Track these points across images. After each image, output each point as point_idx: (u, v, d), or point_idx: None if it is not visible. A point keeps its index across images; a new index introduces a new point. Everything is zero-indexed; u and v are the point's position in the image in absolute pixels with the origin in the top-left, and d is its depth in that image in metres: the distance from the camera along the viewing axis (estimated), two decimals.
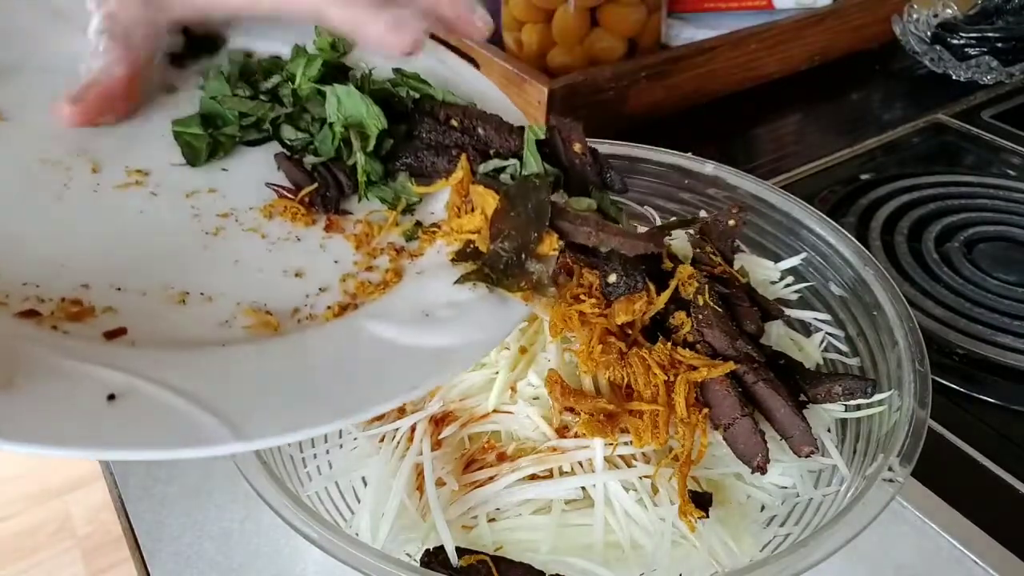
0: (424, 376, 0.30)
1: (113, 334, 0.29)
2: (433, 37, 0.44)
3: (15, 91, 0.39)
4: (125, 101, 0.39)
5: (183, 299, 0.31)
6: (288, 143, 0.40)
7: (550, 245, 0.35)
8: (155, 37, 0.40)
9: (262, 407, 0.27)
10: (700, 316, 0.41)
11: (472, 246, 0.36)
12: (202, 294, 0.32)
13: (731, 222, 0.46)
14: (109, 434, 0.25)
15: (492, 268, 0.34)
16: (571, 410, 0.39)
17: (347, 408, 0.28)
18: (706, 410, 0.39)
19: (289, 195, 0.38)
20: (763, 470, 0.38)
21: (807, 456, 0.38)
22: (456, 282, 0.34)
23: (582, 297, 0.41)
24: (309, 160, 0.39)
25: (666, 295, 0.40)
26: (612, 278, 0.40)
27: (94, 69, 0.38)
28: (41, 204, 0.34)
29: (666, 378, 0.39)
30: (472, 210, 0.36)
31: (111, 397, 0.26)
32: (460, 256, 0.36)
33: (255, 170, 0.39)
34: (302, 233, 0.36)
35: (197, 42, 0.44)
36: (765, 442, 0.38)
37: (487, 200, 0.36)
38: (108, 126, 0.39)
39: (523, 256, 0.35)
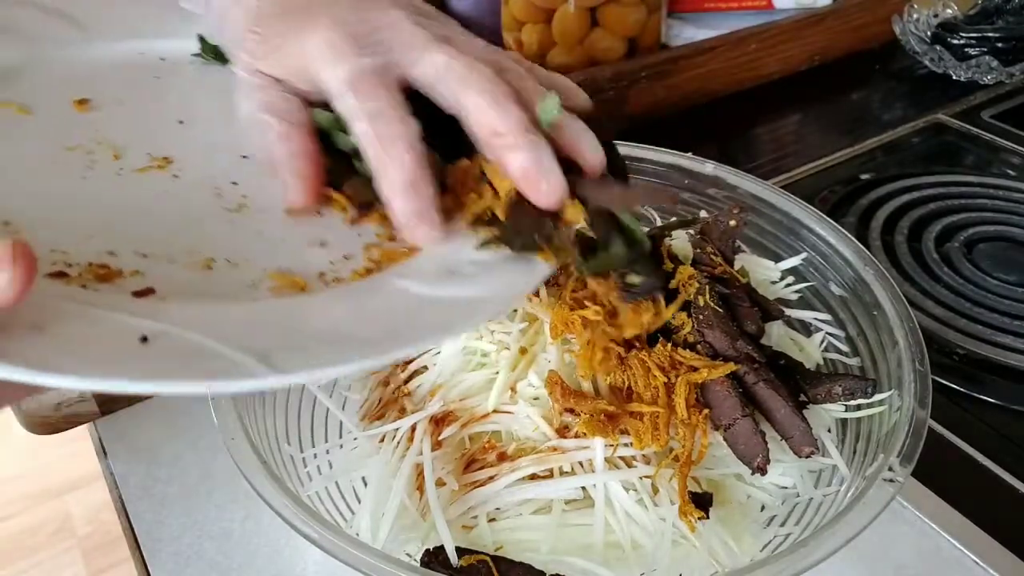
0: (455, 320, 0.30)
1: (142, 293, 0.29)
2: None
3: (36, 86, 0.40)
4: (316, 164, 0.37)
5: (209, 264, 0.32)
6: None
7: (574, 215, 0.35)
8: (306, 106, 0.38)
9: (295, 346, 0.28)
10: (701, 317, 0.41)
11: (490, 213, 0.36)
12: (228, 260, 0.32)
13: (732, 222, 0.46)
14: (143, 368, 0.25)
15: (511, 242, 0.35)
16: (571, 411, 0.39)
17: (382, 347, 0.28)
18: (706, 411, 0.39)
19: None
20: (763, 471, 0.38)
21: (807, 457, 0.38)
22: (479, 247, 0.35)
23: (586, 303, 0.41)
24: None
25: (674, 307, 0.40)
26: (633, 278, 0.40)
27: (276, 152, 0.36)
28: (65, 186, 0.35)
29: (666, 380, 0.39)
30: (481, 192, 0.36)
31: (144, 339, 0.26)
32: (478, 222, 0.36)
33: None
34: (324, 210, 0.37)
35: (211, 48, 0.44)
36: (766, 443, 0.38)
37: (500, 176, 0.35)
38: (128, 116, 0.40)
39: (537, 241, 0.35)
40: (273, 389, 0.27)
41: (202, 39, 0.44)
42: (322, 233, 0.35)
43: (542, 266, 0.34)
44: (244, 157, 0.38)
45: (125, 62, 0.43)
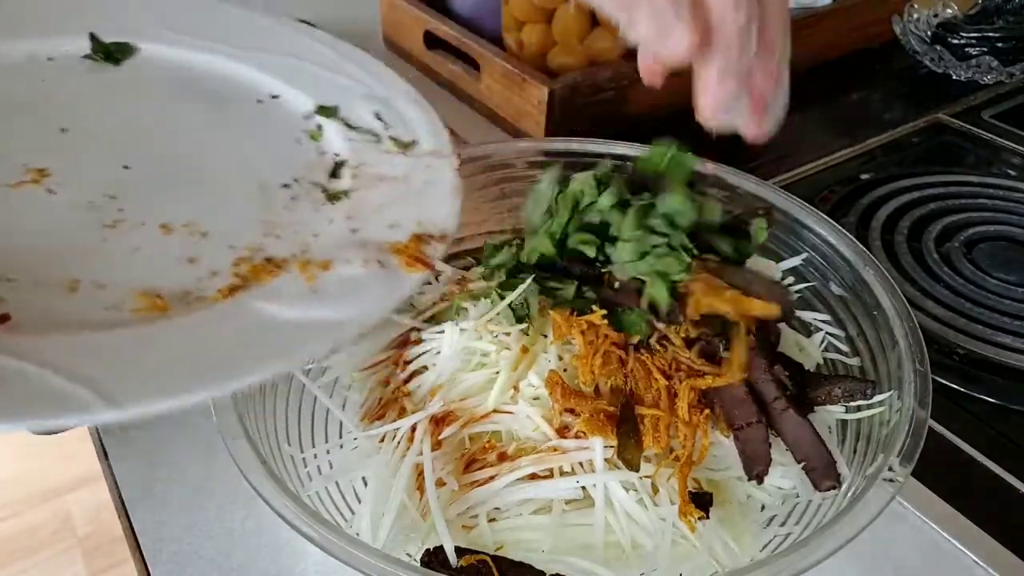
0: (305, 348, 0.30)
1: None
2: None
3: None
4: None
5: (74, 287, 0.31)
6: None
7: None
8: None
9: (136, 376, 0.27)
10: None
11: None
12: (93, 282, 0.32)
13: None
14: None
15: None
16: (571, 411, 0.39)
17: (222, 377, 0.28)
18: (707, 411, 0.39)
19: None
20: (760, 480, 0.38)
21: (826, 491, 0.38)
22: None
23: (593, 308, 0.42)
24: None
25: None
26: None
27: None
28: None
29: (667, 383, 0.39)
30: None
31: None
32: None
33: (157, 167, 0.38)
34: (199, 223, 0.36)
35: (103, 48, 0.43)
36: (770, 454, 0.38)
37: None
38: (7, 125, 0.38)
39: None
40: (112, 423, 0.26)
41: (93, 38, 0.43)
42: (195, 249, 0.34)
43: (406, 283, 0.33)
44: (126, 168, 0.37)
45: (10, 64, 0.41)
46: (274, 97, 0.43)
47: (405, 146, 0.40)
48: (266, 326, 0.31)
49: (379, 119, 0.42)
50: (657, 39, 0.33)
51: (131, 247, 0.33)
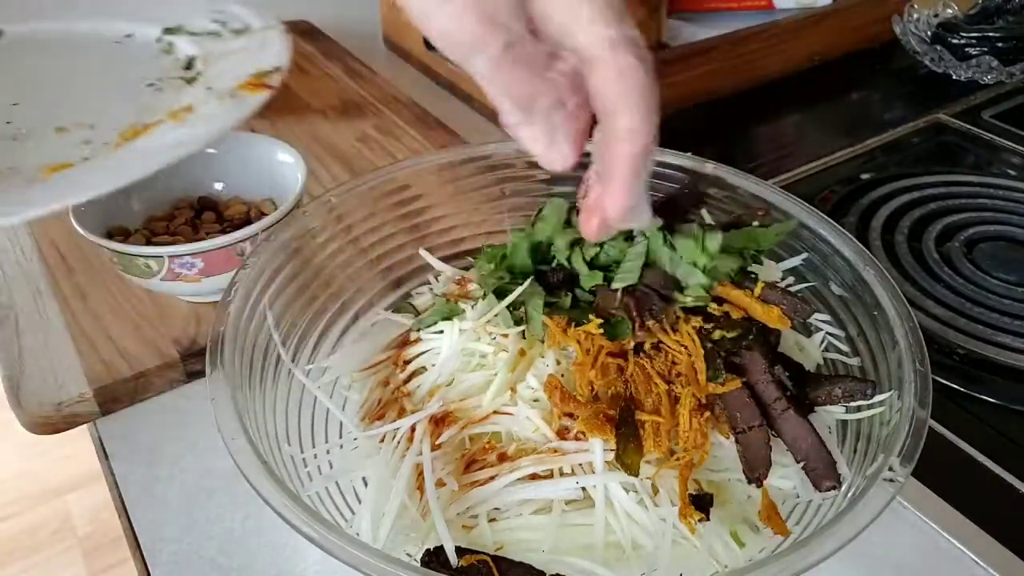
0: (175, 151, 0.38)
1: None
2: None
3: None
4: None
5: None
6: None
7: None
8: None
9: (41, 192, 0.36)
10: (745, 340, 0.41)
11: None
12: (9, 168, 0.39)
13: (755, 223, 0.46)
14: None
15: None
16: (570, 415, 0.39)
17: (107, 179, 0.36)
18: (708, 414, 0.39)
19: None
20: (760, 483, 0.38)
21: (826, 491, 0.38)
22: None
23: (589, 317, 0.42)
24: None
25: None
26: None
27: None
28: None
29: (667, 387, 0.39)
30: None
31: None
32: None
33: (41, 98, 0.46)
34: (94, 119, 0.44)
35: None
36: (770, 458, 0.38)
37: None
38: None
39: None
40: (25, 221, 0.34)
41: None
42: (87, 135, 0.42)
43: (253, 102, 0.41)
44: (15, 104, 0.45)
45: None
46: (128, 36, 0.52)
47: (240, 32, 0.50)
48: (144, 152, 0.39)
49: (216, 21, 0.51)
50: (544, 151, 0.34)
51: (36, 146, 0.41)
